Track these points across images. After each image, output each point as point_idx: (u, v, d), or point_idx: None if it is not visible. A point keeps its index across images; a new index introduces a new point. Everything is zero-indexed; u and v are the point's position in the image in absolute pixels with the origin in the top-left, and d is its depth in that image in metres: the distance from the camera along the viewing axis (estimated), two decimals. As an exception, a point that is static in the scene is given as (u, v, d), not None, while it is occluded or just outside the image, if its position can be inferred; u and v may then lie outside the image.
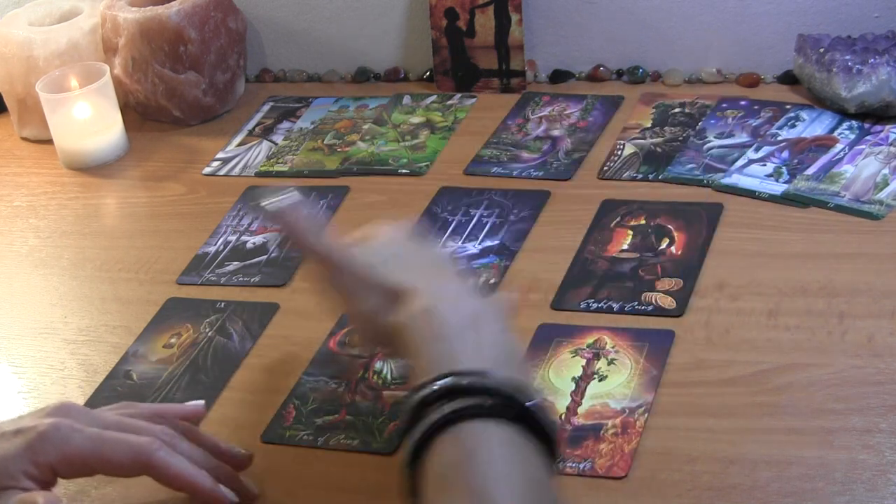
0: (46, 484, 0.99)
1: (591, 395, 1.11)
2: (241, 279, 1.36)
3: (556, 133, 1.54)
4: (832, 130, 1.44)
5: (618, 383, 1.12)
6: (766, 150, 1.43)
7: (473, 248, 1.35)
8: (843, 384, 1.09)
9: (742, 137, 1.46)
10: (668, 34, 1.61)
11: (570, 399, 1.11)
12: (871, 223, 1.29)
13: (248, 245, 1.42)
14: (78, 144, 1.62)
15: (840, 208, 1.31)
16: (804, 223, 1.30)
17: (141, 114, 1.72)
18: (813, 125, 1.46)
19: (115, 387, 1.22)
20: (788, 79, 1.57)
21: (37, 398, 1.22)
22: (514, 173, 1.47)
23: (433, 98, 1.67)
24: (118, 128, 1.64)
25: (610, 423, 1.08)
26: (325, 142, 1.60)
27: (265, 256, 1.39)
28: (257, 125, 1.67)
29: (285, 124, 1.66)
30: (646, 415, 1.08)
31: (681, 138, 1.48)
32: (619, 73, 1.64)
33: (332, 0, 1.72)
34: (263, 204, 1.09)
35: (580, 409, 1.10)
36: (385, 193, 1.48)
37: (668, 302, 1.22)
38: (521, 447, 0.87)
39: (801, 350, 1.13)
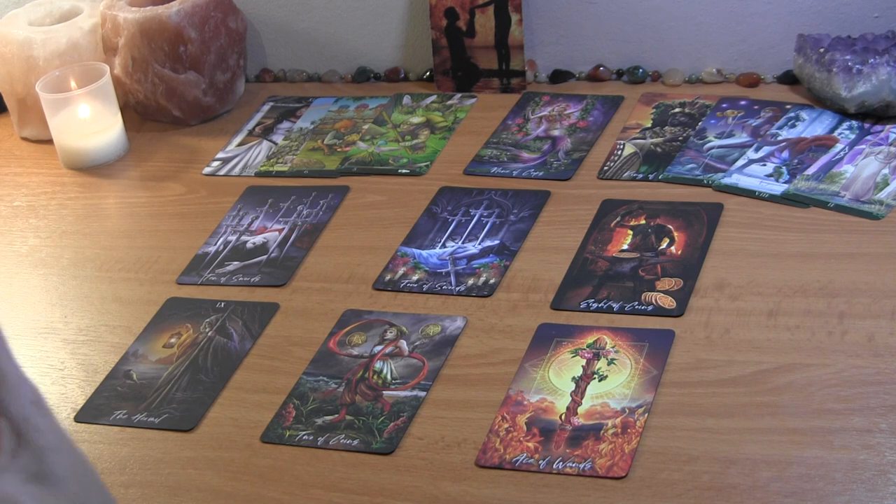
0: None
1: (591, 395, 1.11)
2: (241, 279, 1.36)
3: (556, 133, 1.54)
4: (832, 130, 1.44)
5: (618, 383, 1.12)
6: (766, 150, 1.43)
7: (473, 248, 1.35)
8: (843, 384, 1.09)
9: (742, 137, 1.46)
10: (668, 34, 1.61)
11: (570, 399, 1.11)
12: (871, 223, 1.29)
13: (248, 245, 1.41)
14: (78, 144, 1.62)
15: (840, 208, 1.31)
16: (804, 223, 1.30)
17: (141, 114, 1.72)
18: (813, 125, 1.46)
19: (115, 387, 1.22)
20: (788, 79, 1.57)
21: (37, 398, 1.22)
22: (514, 173, 1.47)
23: (433, 98, 1.67)
24: (118, 128, 1.64)
25: (610, 423, 1.08)
26: (325, 142, 1.60)
27: (265, 256, 1.39)
28: (257, 125, 1.67)
29: (285, 124, 1.66)
30: (646, 415, 1.08)
31: (681, 138, 1.48)
32: (619, 73, 1.64)
33: (332, 0, 1.72)
34: None
35: (580, 409, 1.10)
36: (385, 193, 1.48)
37: (668, 302, 1.22)
38: None
39: (801, 350, 1.13)
